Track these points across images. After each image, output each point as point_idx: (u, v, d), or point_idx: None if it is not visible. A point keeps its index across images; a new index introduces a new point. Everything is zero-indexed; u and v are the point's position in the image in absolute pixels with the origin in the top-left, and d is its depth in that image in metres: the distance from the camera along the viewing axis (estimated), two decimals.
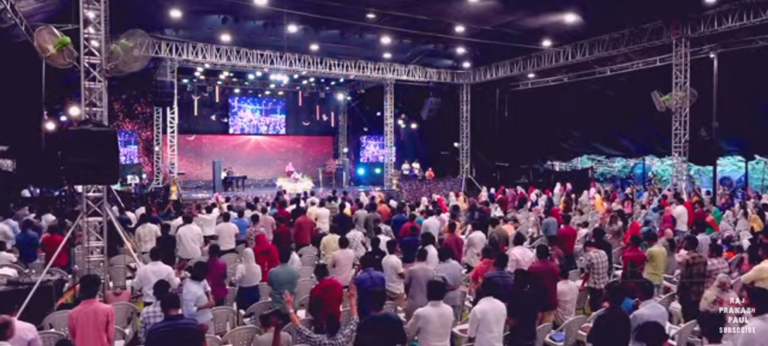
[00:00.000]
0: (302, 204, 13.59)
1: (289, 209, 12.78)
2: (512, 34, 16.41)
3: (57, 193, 17.57)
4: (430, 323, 5.04)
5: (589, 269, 7.38)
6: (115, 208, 12.30)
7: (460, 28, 15.86)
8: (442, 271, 6.75)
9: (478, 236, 9.12)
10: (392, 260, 7.30)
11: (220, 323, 6.47)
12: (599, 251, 7.52)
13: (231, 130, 25.96)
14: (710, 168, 17.45)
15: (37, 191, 17.79)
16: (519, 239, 8.12)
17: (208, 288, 6.12)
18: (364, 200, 15.58)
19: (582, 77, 20.33)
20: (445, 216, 11.50)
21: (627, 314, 5.15)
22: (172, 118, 20.06)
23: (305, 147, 27.78)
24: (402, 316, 6.67)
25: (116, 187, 17.17)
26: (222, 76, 23.28)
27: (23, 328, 4.61)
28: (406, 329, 5.38)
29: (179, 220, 10.48)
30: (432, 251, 7.55)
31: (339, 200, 14.14)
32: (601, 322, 5.11)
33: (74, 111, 13.53)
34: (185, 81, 22.42)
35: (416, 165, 24.95)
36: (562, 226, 10.45)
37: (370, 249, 8.45)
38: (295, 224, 10.97)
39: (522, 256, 7.43)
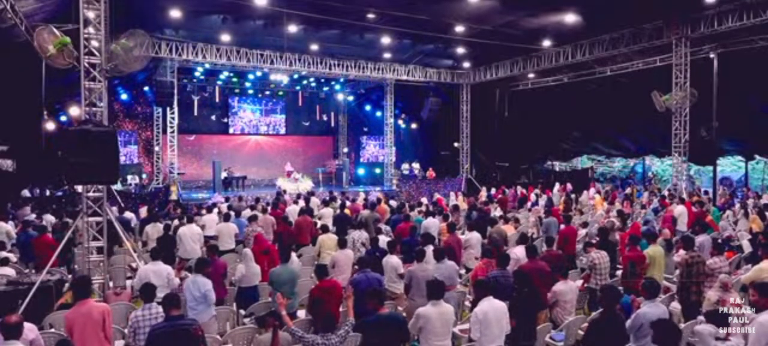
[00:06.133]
0: (302, 203, 13.58)
1: (297, 207, 12.74)
2: (512, 34, 16.40)
3: (58, 193, 17.57)
4: (430, 322, 5.04)
5: (591, 270, 7.38)
6: (114, 208, 12.31)
7: (460, 28, 15.85)
8: (438, 271, 6.74)
9: (475, 236, 9.12)
10: (393, 261, 7.30)
11: (220, 323, 6.47)
12: (600, 252, 7.51)
13: (231, 130, 25.95)
14: (710, 168, 17.46)
15: (38, 190, 17.80)
16: (522, 240, 8.11)
17: (209, 287, 6.09)
18: (360, 200, 15.56)
19: (582, 77, 20.33)
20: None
21: (622, 317, 5.14)
22: (172, 118, 20.06)
23: (305, 147, 27.76)
24: (404, 315, 6.68)
25: (116, 187, 17.18)
26: (222, 76, 23.28)
27: (25, 328, 4.62)
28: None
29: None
30: (430, 251, 7.54)
31: (339, 201, 14.14)
32: (595, 325, 5.10)
33: (74, 111, 13.53)
34: (185, 81, 22.41)
35: (416, 165, 24.95)
36: (562, 226, 10.44)
37: (369, 248, 8.43)
38: (295, 224, 10.98)
39: (523, 255, 7.42)
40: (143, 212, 13.44)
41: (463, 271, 8.52)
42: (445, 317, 5.16)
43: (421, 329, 5.08)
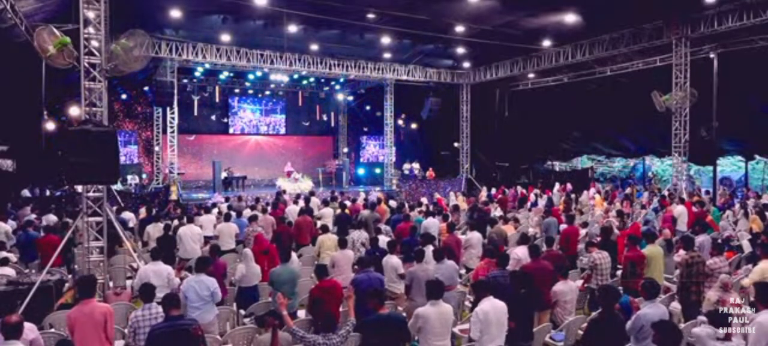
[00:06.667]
0: (302, 203, 13.57)
1: (296, 207, 12.76)
2: (512, 34, 16.40)
3: (58, 193, 17.58)
4: (429, 322, 5.04)
5: (592, 270, 7.38)
6: (114, 208, 12.32)
7: (460, 28, 15.85)
8: (438, 271, 6.74)
9: (476, 236, 9.11)
10: (393, 261, 7.30)
11: (220, 323, 6.47)
12: (602, 252, 7.50)
13: (231, 130, 25.95)
14: (710, 168, 17.46)
15: (38, 190, 17.80)
16: (523, 240, 8.10)
17: (216, 285, 6.14)
18: (360, 200, 15.55)
19: (582, 77, 20.33)
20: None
21: (621, 317, 5.14)
22: (172, 118, 20.06)
23: (305, 147, 27.76)
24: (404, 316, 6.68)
25: (116, 187, 17.18)
26: (222, 76, 23.27)
27: (25, 328, 4.62)
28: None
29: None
30: (430, 251, 7.54)
31: (339, 200, 14.14)
32: (594, 325, 5.10)
33: (74, 111, 13.54)
34: (185, 81, 22.41)
35: (416, 165, 24.94)
36: (563, 226, 10.44)
37: (369, 248, 8.43)
38: (295, 224, 10.98)
39: (524, 255, 7.42)
40: (142, 212, 13.46)
41: (463, 271, 8.52)
42: (444, 317, 5.16)
43: (420, 330, 5.08)
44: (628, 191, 18.08)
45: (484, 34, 16.34)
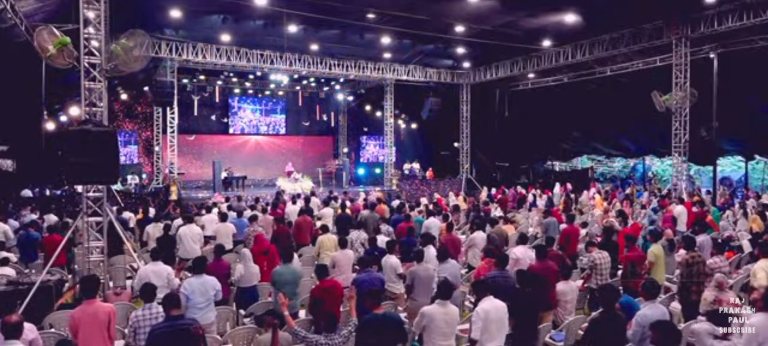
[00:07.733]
0: (301, 203, 13.56)
1: (296, 207, 12.75)
2: (512, 34, 16.41)
3: (58, 193, 17.58)
4: (434, 321, 5.03)
5: (591, 270, 7.38)
6: (114, 208, 12.32)
7: (460, 28, 15.86)
8: (442, 271, 6.74)
9: (480, 236, 9.12)
10: (391, 261, 7.30)
11: (220, 323, 6.47)
12: (602, 252, 7.51)
13: (231, 130, 25.96)
14: (710, 168, 17.47)
15: (38, 190, 17.81)
16: (523, 240, 8.10)
17: (219, 284, 6.17)
18: (360, 200, 15.53)
19: (582, 77, 20.34)
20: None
21: (623, 317, 5.13)
22: (172, 118, 20.06)
23: (305, 147, 27.76)
24: (402, 316, 6.67)
25: (116, 187, 17.18)
26: (222, 76, 23.27)
27: (25, 328, 4.62)
28: (408, 328, 5.38)
29: (180, 219, 10.53)
30: (431, 251, 7.53)
31: (339, 200, 14.13)
32: (595, 325, 5.09)
33: (74, 111, 13.55)
34: (185, 81, 22.41)
35: (416, 165, 24.95)
36: (563, 226, 10.44)
37: (368, 248, 8.42)
38: (295, 224, 10.96)
39: (523, 255, 7.42)
40: (140, 213, 13.45)
41: (463, 270, 8.52)
42: (450, 318, 5.14)
43: (425, 328, 5.07)
44: (628, 191, 18.08)
45: (484, 34, 16.34)
